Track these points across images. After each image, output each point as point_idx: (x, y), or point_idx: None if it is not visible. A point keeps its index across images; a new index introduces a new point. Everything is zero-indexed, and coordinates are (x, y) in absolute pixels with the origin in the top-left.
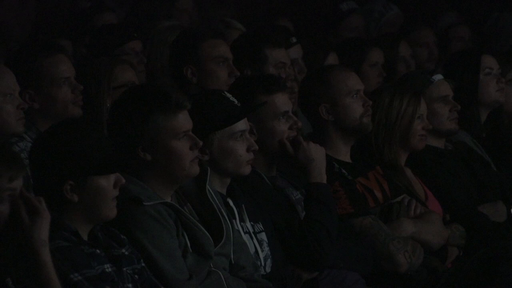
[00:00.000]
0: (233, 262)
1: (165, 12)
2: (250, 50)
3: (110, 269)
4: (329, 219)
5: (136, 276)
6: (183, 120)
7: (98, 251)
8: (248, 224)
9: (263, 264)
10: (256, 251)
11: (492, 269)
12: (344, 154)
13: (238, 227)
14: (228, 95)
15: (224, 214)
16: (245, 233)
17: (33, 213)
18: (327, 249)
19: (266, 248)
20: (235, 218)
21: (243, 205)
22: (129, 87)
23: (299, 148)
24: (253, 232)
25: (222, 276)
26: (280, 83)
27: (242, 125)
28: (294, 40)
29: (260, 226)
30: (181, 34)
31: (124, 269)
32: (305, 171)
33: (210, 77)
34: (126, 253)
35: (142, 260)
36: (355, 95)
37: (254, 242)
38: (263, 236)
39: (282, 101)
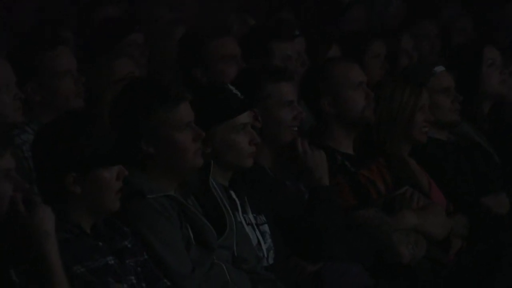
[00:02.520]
0: (235, 254)
1: (166, 4)
2: (256, 44)
3: (112, 262)
4: (332, 214)
5: (139, 268)
6: (185, 112)
7: (100, 243)
8: (251, 216)
9: (265, 256)
10: (259, 243)
11: (494, 261)
12: (347, 146)
13: (240, 219)
14: (231, 87)
15: (227, 206)
16: (247, 225)
17: (31, 205)
18: (330, 240)
19: (269, 240)
20: (237, 210)
21: (245, 197)
22: (130, 80)
23: (298, 156)
24: (255, 224)
25: (225, 269)
26: (287, 72)
27: (245, 118)
28: (296, 32)
29: (262, 218)
30: (186, 35)
31: (127, 261)
32: (305, 177)
33: (220, 76)
34: (129, 245)
35: (145, 253)
36: (357, 88)
37: (257, 234)
38: (265, 228)
39: (288, 90)
